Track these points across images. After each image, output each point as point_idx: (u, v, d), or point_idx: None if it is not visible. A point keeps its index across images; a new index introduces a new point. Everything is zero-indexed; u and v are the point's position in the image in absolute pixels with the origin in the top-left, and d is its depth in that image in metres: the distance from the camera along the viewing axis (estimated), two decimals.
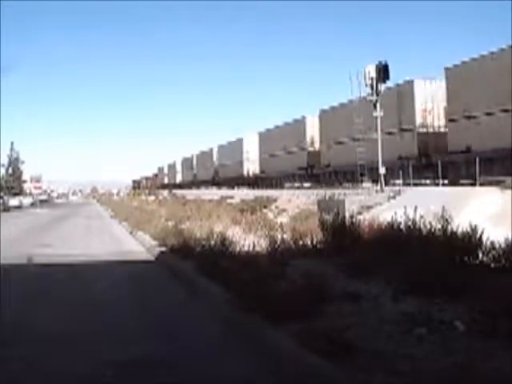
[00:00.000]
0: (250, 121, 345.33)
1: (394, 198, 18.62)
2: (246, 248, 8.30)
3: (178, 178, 76.99)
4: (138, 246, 12.89)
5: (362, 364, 3.49)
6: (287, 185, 39.45)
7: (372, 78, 22.93)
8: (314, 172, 38.13)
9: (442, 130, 27.16)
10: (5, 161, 67.24)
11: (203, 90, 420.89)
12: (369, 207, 17.84)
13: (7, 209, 42.38)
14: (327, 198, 19.06)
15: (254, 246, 8.23)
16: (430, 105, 27.94)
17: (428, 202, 12.38)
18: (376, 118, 23.30)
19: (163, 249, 10.58)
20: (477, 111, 22.91)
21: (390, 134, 27.54)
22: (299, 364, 3.64)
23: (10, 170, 67.73)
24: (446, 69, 25.55)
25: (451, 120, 24.99)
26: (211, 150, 61.98)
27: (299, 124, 40.62)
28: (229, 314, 5.18)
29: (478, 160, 21.37)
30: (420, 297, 5.11)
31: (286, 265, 7.07)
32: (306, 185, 36.72)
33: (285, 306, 4.65)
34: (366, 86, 23.49)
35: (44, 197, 71.51)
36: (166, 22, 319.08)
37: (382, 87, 23.28)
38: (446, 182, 24.03)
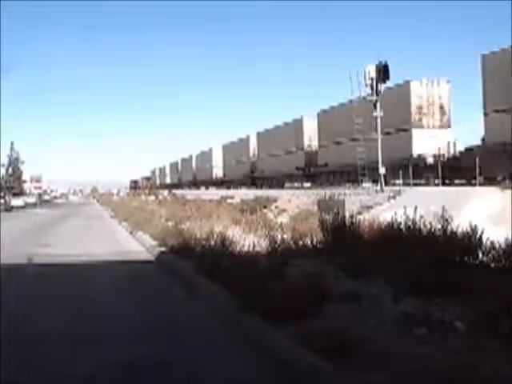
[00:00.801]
0: (250, 121, 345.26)
1: (393, 197, 18.64)
2: (246, 248, 8.29)
3: (167, 180, 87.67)
4: (138, 246, 12.89)
5: (362, 364, 3.49)
6: (287, 185, 39.51)
7: (372, 78, 22.96)
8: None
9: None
10: (5, 161, 67.20)
11: (203, 89, 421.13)
12: (369, 207, 17.87)
13: (9, 209, 42.44)
14: (327, 198, 19.07)
15: (253, 246, 8.23)
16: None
17: (428, 202, 12.39)
18: (376, 117, 23.32)
19: (163, 249, 10.57)
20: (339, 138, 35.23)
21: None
22: (299, 364, 3.64)
23: (10, 170, 67.66)
24: (318, 113, 39.01)
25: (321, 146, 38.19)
26: (191, 156, 74.13)
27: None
28: (229, 314, 5.18)
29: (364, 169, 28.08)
30: (420, 297, 5.11)
31: (286, 265, 7.07)
32: (306, 185, 36.73)
33: (285, 305, 4.65)
34: (366, 85, 23.51)
35: (48, 196, 72.31)
36: (165, 23, 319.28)
37: (382, 87, 23.31)
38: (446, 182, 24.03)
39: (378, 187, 22.69)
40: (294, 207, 20.79)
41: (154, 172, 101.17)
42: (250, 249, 8.16)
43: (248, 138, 51.39)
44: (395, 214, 8.39)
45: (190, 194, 41.95)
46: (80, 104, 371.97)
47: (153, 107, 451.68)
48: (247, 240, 9.24)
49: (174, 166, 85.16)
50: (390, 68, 23.07)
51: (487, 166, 22.07)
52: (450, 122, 28.90)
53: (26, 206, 49.48)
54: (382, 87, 23.32)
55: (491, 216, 13.21)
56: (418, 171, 26.56)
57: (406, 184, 25.39)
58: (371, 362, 3.53)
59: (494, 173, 21.85)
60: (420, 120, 28.09)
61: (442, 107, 28.42)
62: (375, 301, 5.23)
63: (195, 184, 65.54)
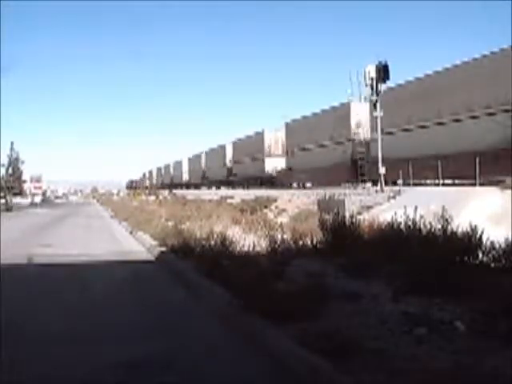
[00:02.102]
0: (251, 121, 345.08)
1: (393, 197, 18.63)
2: (246, 248, 8.30)
3: (153, 182, 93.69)
4: (138, 245, 12.90)
5: (362, 364, 3.49)
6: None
7: (372, 78, 22.95)
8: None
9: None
10: (5, 161, 67.13)
11: (204, 89, 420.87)
12: (369, 207, 17.85)
13: (10, 208, 42.78)
14: (327, 198, 19.07)
15: (254, 246, 8.23)
16: None
17: (428, 202, 12.39)
18: (376, 117, 23.33)
19: (163, 249, 10.58)
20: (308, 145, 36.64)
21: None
22: (299, 364, 3.65)
23: (10, 170, 67.62)
24: (286, 123, 40.98)
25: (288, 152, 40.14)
26: (168, 165, 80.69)
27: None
28: (229, 314, 5.18)
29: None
30: (420, 297, 5.12)
31: (286, 265, 7.07)
32: (307, 185, 36.72)
33: (285, 305, 4.65)
34: (366, 86, 23.52)
35: (57, 194, 73.93)
36: (165, 22, 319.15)
37: (382, 87, 23.31)
38: (447, 181, 24.04)
39: (378, 187, 22.69)
40: (294, 207, 20.79)
41: (144, 174, 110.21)
42: (250, 249, 8.16)
43: (224, 146, 54.70)
44: (395, 213, 8.39)
45: (190, 193, 41.96)
46: (80, 104, 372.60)
47: (153, 107, 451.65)
48: (247, 240, 9.25)
49: (166, 168, 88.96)
50: (390, 68, 23.10)
51: None
52: None
53: (34, 204, 53.27)
54: (382, 87, 23.33)
55: (491, 216, 13.21)
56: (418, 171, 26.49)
57: (405, 184, 25.38)
58: (371, 361, 3.53)
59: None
60: None
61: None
62: (375, 301, 5.24)
63: (187, 185, 68.21)
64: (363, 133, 30.49)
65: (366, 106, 29.51)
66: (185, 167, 72.32)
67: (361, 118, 30.90)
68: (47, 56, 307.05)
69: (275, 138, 43.96)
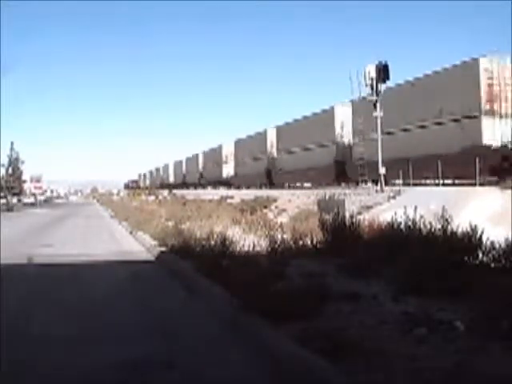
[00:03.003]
0: (252, 121, 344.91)
1: (394, 197, 18.63)
2: (246, 248, 8.29)
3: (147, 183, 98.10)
4: (138, 245, 12.89)
5: (361, 364, 3.49)
6: (287, 184, 39.61)
7: (372, 78, 22.95)
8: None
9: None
10: (5, 161, 67.12)
11: (204, 89, 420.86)
12: (369, 207, 17.85)
13: (11, 208, 43.01)
14: (327, 198, 19.07)
15: (254, 246, 8.23)
16: None
17: (428, 202, 12.39)
18: (376, 117, 23.33)
19: (163, 249, 10.58)
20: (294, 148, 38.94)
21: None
22: (299, 364, 3.64)
23: (10, 170, 67.59)
24: (277, 126, 43.10)
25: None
26: (167, 166, 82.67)
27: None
28: (229, 314, 5.18)
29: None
30: (420, 297, 5.11)
31: (286, 265, 7.07)
32: (307, 185, 36.77)
33: (285, 305, 4.65)
34: (366, 85, 23.51)
35: (57, 194, 75.13)
36: (164, 22, 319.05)
37: (382, 87, 23.30)
38: (447, 181, 24.05)
39: (378, 187, 22.68)
40: (294, 207, 20.79)
41: (139, 176, 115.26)
42: (250, 249, 8.16)
43: (221, 146, 56.32)
44: (395, 213, 8.39)
45: (190, 194, 41.96)
46: (80, 104, 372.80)
47: (153, 107, 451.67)
48: (247, 240, 9.25)
49: (164, 168, 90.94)
50: (390, 68, 23.10)
51: None
52: None
53: (33, 204, 55.02)
54: (383, 87, 23.32)
55: (491, 216, 13.21)
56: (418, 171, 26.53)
57: (405, 184, 25.37)
58: (371, 361, 3.53)
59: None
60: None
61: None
62: (375, 301, 5.24)
63: (185, 185, 69.87)
64: (347, 136, 32.46)
65: (350, 110, 31.54)
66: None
67: (344, 121, 33.00)
68: (47, 56, 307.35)
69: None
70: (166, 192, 52.00)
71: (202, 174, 63.25)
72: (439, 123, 24.22)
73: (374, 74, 22.89)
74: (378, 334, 4.17)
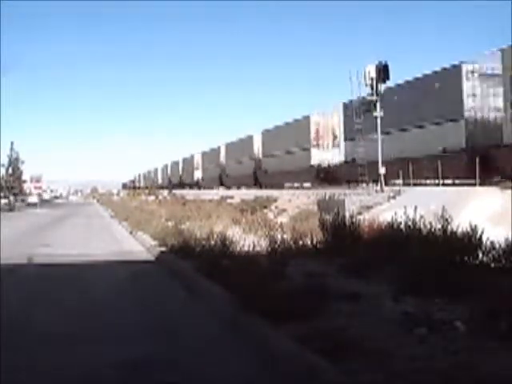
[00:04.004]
0: (252, 121, 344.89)
1: (393, 197, 18.64)
2: (246, 248, 8.29)
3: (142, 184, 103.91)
4: (138, 245, 12.90)
5: (361, 364, 3.49)
6: (287, 185, 39.76)
7: (372, 78, 22.95)
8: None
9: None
10: (5, 161, 67.20)
11: (205, 89, 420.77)
12: (369, 207, 17.86)
13: (12, 208, 43.41)
14: (327, 198, 19.08)
15: (254, 246, 8.22)
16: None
17: (428, 202, 12.40)
18: (376, 117, 23.33)
19: (163, 249, 10.58)
20: (277, 152, 42.49)
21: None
22: (299, 364, 3.64)
23: (10, 170, 67.63)
24: (262, 131, 46.77)
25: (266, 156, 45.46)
26: (166, 166, 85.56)
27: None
28: (229, 314, 5.18)
29: None
30: (420, 297, 5.11)
31: (286, 265, 7.07)
32: (306, 185, 36.82)
33: (285, 305, 4.65)
34: (366, 85, 23.52)
35: (57, 194, 75.94)
36: (164, 22, 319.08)
37: (382, 87, 23.32)
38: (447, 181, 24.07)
39: (378, 187, 22.69)
40: (294, 207, 20.79)
41: (135, 177, 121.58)
42: (250, 249, 8.15)
43: (219, 148, 58.91)
44: (395, 213, 8.39)
45: (189, 194, 41.98)
46: (80, 104, 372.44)
47: (153, 107, 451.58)
48: (247, 240, 9.24)
49: (163, 169, 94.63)
50: (390, 68, 23.13)
51: None
52: None
53: (33, 204, 55.47)
54: (382, 87, 23.34)
55: (491, 216, 13.21)
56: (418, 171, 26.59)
57: (405, 184, 25.38)
58: (371, 361, 3.53)
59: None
60: None
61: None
62: (375, 300, 5.24)
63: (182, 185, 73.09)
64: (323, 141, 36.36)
65: (324, 118, 36.74)
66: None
67: (320, 128, 37.12)
68: (47, 56, 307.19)
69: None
70: (165, 192, 52.04)
71: (198, 174, 65.90)
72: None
73: (374, 74, 22.89)
74: (378, 333, 4.16)
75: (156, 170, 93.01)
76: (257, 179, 46.24)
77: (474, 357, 3.52)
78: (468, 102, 23.58)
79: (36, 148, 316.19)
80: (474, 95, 23.43)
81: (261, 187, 42.11)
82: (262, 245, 8.71)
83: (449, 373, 3.23)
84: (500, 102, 22.32)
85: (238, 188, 44.59)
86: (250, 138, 49.01)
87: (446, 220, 6.80)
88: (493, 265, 6.06)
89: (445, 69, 24.97)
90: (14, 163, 68.56)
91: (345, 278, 6.38)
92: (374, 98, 23.18)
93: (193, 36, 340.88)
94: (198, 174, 64.83)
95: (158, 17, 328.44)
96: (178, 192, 48.06)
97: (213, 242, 8.72)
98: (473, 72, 23.11)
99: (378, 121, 23.42)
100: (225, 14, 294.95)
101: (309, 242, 8.68)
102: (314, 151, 37.17)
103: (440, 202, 10.02)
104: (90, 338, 4.78)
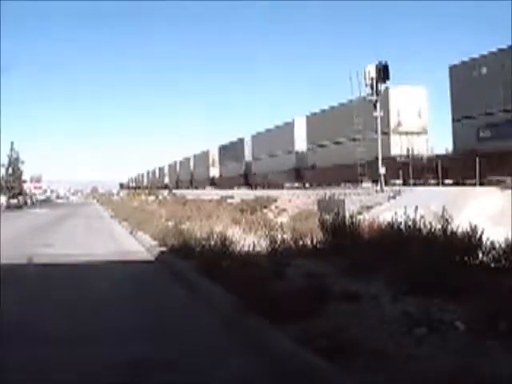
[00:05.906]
0: (252, 121, 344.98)
1: (393, 197, 18.64)
2: (246, 248, 8.29)
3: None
4: (138, 245, 12.89)
5: (361, 364, 3.49)
6: (287, 185, 39.81)
7: (372, 78, 22.97)
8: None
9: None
10: (5, 161, 67.08)
11: (205, 89, 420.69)
12: (369, 207, 17.87)
13: (20, 206, 45.44)
14: (327, 198, 19.08)
15: (254, 246, 8.23)
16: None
17: (428, 202, 12.40)
18: (376, 117, 23.35)
19: (163, 249, 10.58)
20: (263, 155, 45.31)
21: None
22: (299, 364, 3.65)
23: (10, 170, 67.54)
24: (252, 135, 49.50)
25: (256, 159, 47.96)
26: (163, 167, 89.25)
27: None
28: (229, 314, 5.18)
29: None
30: (420, 297, 5.11)
31: (286, 265, 7.07)
32: (306, 185, 36.86)
33: (285, 305, 4.65)
34: (366, 85, 23.53)
35: (57, 194, 78.48)
36: (164, 22, 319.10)
37: (382, 87, 23.33)
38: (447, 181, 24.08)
39: (378, 187, 22.69)
40: (294, 207, 20.80)
41: (130, 178, 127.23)
42: (250, 249, 8.16)
43: (208, 151, 62.53)
44: (395, 213, 8.39)
45: (190, 193, 41.99)
46: (80, 104, 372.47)
47: (153, 107, 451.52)
48: (247, 240, 9.25)
49: (161, 169, 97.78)
50: (391, 68, 23.14)
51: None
52: None
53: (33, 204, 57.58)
54: (382, 87, 23.37)
55: (491, 216, 13.22)
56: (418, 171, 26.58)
57: (405, 184, 25.38)
58: (371, 361, 3.53)
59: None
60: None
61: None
62: (375, 301, 5.24)
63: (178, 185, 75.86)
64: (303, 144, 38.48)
65: (304, 122, 38.64)
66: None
67: (302, 132, 39.09)
68: (47, 56, 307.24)
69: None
70: (165, 192, 52.05)
71: (193, 175, 68.72)
72: None
73: (374, 74, 22.91)
74: (378, 333, 4.17)
75: (154, 170, 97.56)
76: (247, 180, 49.55)
77: (474, 357, 3.53)
78: None
79: (36, 148, 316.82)
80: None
81: (251, 187, 44.69)
82: (262, 245, 8.72)
83: (449, 373, 3.23)
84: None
85: (231, 188, 46.55)
86: (241, 140, 51.82)
87: (446, 220, 6.81)
88: (493, 265, 6.06)
89: None
90: (14, 163, 68.41)
91: (345, 277, 6.38)
92: (374, 97, 23.19)
93: (193, 36, 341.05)
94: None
95: (158, 17, 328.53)
96: (178, 192, 48.09)
97: (213, 242, 8.72)
98: None
99: (378, 121, 23.43)
100: (225, 14, 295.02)
101: (309, 242, 8.68)
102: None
103: (440, 201, 10.02)
104: (90, 338, 4.78)
